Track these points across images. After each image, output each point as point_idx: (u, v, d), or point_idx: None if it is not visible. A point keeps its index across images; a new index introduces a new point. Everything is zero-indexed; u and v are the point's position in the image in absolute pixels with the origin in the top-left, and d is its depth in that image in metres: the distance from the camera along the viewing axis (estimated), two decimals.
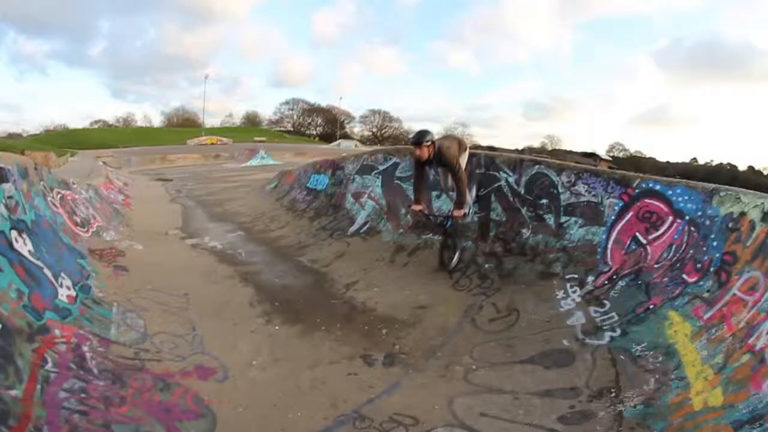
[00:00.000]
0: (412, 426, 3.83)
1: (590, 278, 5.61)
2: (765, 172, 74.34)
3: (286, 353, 5.07)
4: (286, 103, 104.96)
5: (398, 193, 8.37)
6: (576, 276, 5.74)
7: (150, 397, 4.00)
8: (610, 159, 76.03)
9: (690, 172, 63.95)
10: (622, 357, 4.35)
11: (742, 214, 4.54)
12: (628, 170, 6.54)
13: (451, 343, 5.20)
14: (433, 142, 6.38)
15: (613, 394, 3.94)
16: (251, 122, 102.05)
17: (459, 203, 6.48)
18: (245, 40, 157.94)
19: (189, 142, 58.83)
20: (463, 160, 6.78)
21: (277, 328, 5.74)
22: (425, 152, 6.36)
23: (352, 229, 8.75)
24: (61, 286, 5.18)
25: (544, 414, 3.84)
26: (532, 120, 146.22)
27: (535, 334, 5.06)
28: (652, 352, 4.22)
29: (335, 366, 4.87)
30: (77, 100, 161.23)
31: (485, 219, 7.10)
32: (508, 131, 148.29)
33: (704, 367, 3.75)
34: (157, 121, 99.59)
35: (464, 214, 6.65)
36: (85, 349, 4.29)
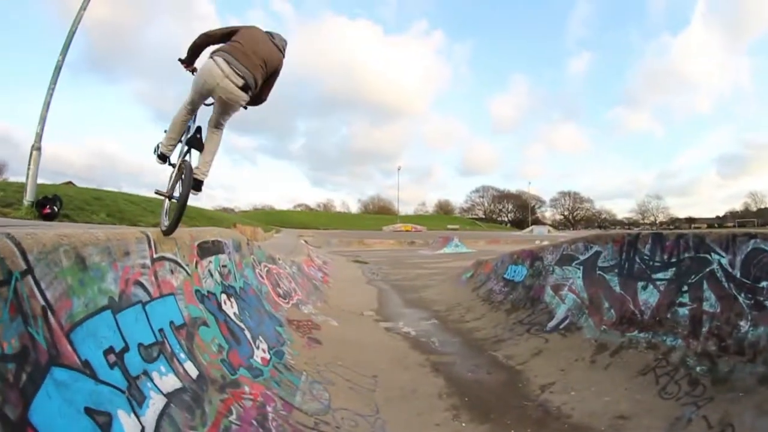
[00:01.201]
0: None
1: None
2: None
3: None
4: (476, 190, 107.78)
5: (601, 285, 7.60)
6: None
7: None
8: None
9: None
10: None
11: None
12: None
13: None
14: None
15: None
16: (444, 210, 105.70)
17: None
18: (430, 132, 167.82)
19: (385, 228, 62.12)
20: None
21: (464, 425, 5.33)
22: None
23: (551, 324, 8.10)
24: (257, 347, 5.56)
25: None
26: (728, 178, 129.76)
27: None
28: None
29: None
30: (281, 186, 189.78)
31: (697, 311, 6.01)
32: (704, 196, 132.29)
33: None
34: (354, 207, 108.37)
35: None
36: (269, 409, 4.46)
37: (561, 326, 7.87)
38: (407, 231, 60.92)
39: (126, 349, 3.11)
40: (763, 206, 75.37)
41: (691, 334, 5.94)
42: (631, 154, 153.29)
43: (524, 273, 10.40)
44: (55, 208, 10.87)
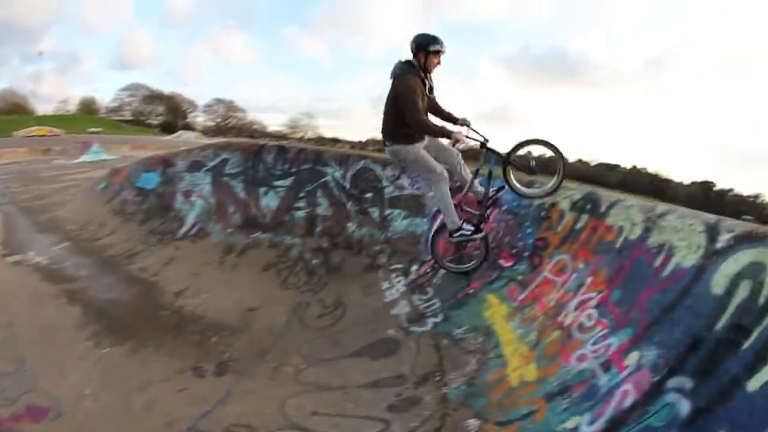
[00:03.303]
0: None
1: (414, 267, 5.79)
2: (591, 164, 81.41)
3: (117, 376, 4.77)
4: (126, 88, 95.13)
5: (227, 191, 8.04)
6: (400, 266, 5.91)
7: None
8: None
9: None
10: (444, 341, 4.51)
11: (554, 204, 4.93)
12: None
13: (280, 344, 5.12)
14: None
15: (437, 378, 4.06)
16: (88, 109, 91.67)
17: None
18: (88, 7, 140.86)
19: (16, 134, 51.62)
20: None
21: (105, 350, 5.30)
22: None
23: (182, 231, 8.19)
24: None
25: (373, 405, 3.91)
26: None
27: (361, 326, 5.11)
28: (472, 334, 4.41)
29: (167, 383, 4.67)
30: None
31: (312, 214, 7.11)
32: (355, 123, 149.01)
33: (520, 344, 4.01)
34: None
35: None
36: None
37: (191, 232, 8.10)
38: (42, 135, 51.58)
39: None
40: None
41: (307, 233, 6.93)
42: (298, 76, 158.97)
43: (156, 180, 10.01)
44: None
